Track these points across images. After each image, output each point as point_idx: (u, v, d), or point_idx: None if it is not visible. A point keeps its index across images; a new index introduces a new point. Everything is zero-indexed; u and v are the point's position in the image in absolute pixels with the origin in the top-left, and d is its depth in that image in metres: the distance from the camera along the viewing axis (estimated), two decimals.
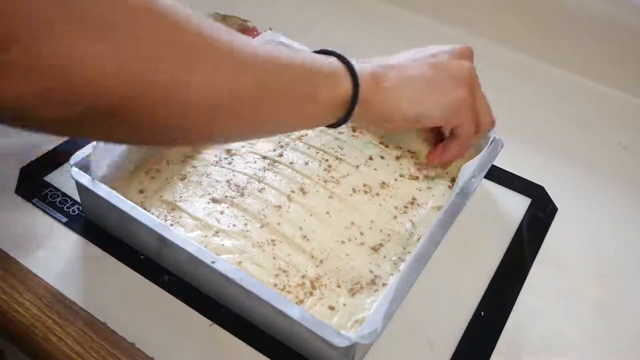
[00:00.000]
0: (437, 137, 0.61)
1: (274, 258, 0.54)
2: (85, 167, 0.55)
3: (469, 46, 0.54)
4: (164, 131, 0.36)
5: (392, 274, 0.54)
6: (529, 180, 0.67)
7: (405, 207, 0.61)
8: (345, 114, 0.44)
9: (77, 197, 0.60)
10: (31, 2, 0.27)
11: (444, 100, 0.49)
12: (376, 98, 0.45)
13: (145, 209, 0.55)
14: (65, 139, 0.66)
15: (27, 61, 0.27)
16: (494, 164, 0.62)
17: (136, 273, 0.55)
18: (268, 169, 0.62)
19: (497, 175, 0.67)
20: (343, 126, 0.67)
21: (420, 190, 0.62)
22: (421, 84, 0.48)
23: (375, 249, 0.56)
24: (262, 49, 0.39)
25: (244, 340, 0.51)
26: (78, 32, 0.28)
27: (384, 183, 0.62)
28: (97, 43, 0.29)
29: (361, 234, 0.57)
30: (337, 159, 0.64)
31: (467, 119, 0.51)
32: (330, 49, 0.46)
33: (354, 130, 0.68)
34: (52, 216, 0.59)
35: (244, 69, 0.36)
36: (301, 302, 0.51)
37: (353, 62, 0.45)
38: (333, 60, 0.44)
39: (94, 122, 0.32)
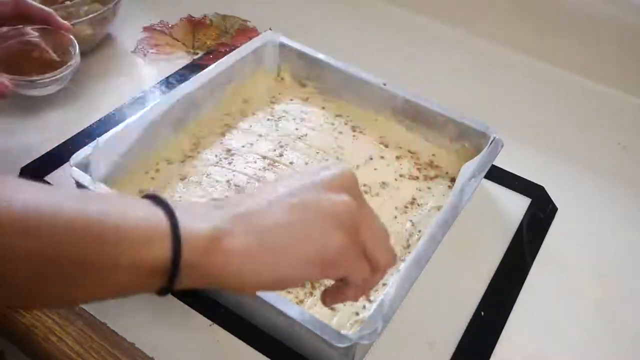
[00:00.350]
0: None
1: None
2: (85, 167, 0.55)
3: (350, 170, 0.39)
4: None
5: (392, 274, 0.54)
6: (529, 180, 0.67)
7: (405, 207, 0.61)
8: (166, 283, 0.34)
9: None
10: None
11: (314, 254, 0.36)
12: (212, 261, 0.34)
13: None
14: (66, 138, 0.66)
15: None
16: (494, 164, 0.62)
17: None
18: (268, 169, 0.62)
19: (497, 175, 0.67)
20: (343, 126, 0.68)
21: (420, 190, 0.62)
22: (282, 237, 0.35)
23: None
24: (51, 211, 0.31)
25: (244, 340, 0.51)
26: None
27: (384, 183, 0.62)
28: None
29: None
30: (337, 159, 0.64)
31: (352, 267, 0.38)
32: (158, 196, 0.35)
33: (354, 130, 0.68)
34: None
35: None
36: (301, 302, 0.51)
37: (181, 212, 0.34)
38: (151, 211, 0.34)
39: None
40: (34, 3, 0.50)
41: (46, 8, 0.51)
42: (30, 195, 0.31)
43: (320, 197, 0.37)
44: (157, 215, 0.33)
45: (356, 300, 0.41)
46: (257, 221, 0.35)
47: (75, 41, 0.69)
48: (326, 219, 0.36)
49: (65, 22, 0.67)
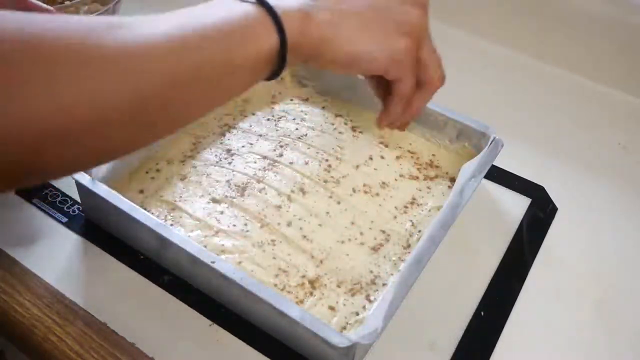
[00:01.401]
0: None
1: (274, 258, 0.54)
2: None
3: None
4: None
5: (392, 274, 0.54)
6: (529, 180, 0.67)
7: (405, 207, 0.61)
8: (276, 68, 0.38)
9: (77, 197, 0.60)
10: None
11: (384, 45, 0.41)
12: (307, 40, 0.38)
13: (145, 209, 0.55)
14: None
15: None
16: (494, 164, 0.62)
17: (136, 273, 0.55)
18: (268, 169, 0.62)
19: (497, 175, 0.67)
20: (343, 126, 0.68)
21: (420, 190, 0.62)
22: (358, 22, 0.40)
23: (375, 249, 0.56)
24: (141, 40, 0.32)
25: (244, 340, 0.51)
26: None
27: (384, 183, 0.62)
28: None
29: (361, 234, 0.57)
30: (337, 159, 0.64)
31: (407, 72, 0.43)
32: None
33: (354, 130, 0.68)
34: (52, 216, 0.59)
35: (120, 77, 0.31)
36: (301, 302, 0.51)
37: (274, 3, 0.37)
38: (244, 7, 0.36)
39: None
40: (35, 1, 0.51)
41: (45, 6, 0.51)
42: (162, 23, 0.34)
43: (399, 5, 0.42)
44: (250, 9, 0.36)
45: (408, 115, 0.47)
46: (341, 5, 0.40)
47: None
48: (400, 22, 0.41)
49: None
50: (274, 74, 0.38)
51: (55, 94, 0.29)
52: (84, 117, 0.30)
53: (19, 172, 0.31)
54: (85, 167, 0.47)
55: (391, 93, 0.45)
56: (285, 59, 0.37)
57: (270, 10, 0.36)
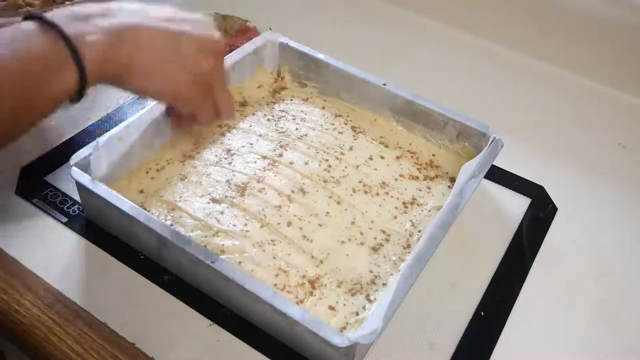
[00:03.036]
0: None
1: (274, 258, 0.54)
2: (85, 167, 0.55)
3: (221, 38, 0.52)
4: None
5: (392, 274, 0.54)
6: (529, 180, 0.67)
7: (405, 207, 0.61)
8: (75, 97, 0.42)
9: (77, 197, 0.60)
10: None
11: (170, 87, 0.49)
12: (105, 73, 0.42)
13: (145, 209, 0.55)
14: (66, 138, 0.66)
15: None
16: (494, 164, 0.62)
17: (136, 273, 0.55)
18: (268, 169, 0.62)
19: (497, 175, 0.67)
20: (343, 126, 0.68)
21: (420, 190, 0.62)
22: (157, 61, 0.46)
23: (375, 249, 0.56)
24: None
25: (244, 340, 0.51)
26: None
27: (384, 183, 0.62)
28: None
29: (361, 234, 0.57)
30: (337, 159, 0.64)
31: (195, 108, 0.53)
32: (39, 13, 0.39)
33: (354, 130, 0.68)
34: (52, 216, 0.59)
35: None
36: (301, 302, 0.51)
37: (72, 33, 0.39)
38: (44, 44, 0.38)
39: None
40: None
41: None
42: None
43: (190, 54, 0.47)
44: (55, 45, 0.38)
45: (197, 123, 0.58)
46: (142, 40, 0.44)
47: None
48: (191, 71, 0.48)
49: None
50: (72, 102, 0.42)
51: None
52: None
53: None
54: None
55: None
56: (83, 93, 0.41)
57: (72, 48, 0.38)
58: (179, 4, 0.89)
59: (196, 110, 0.54)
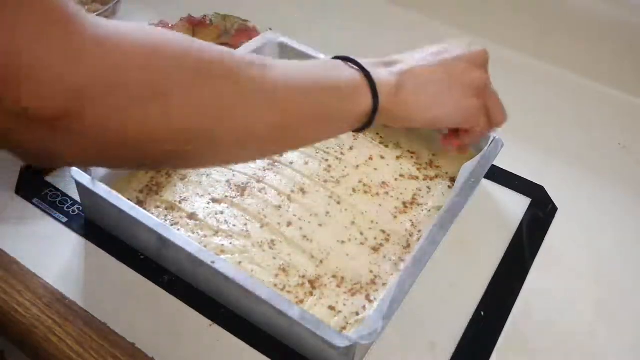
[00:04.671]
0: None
1: (274, 258, 0.54)
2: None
3: (485, 49, 0.54)
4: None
5: (392, 274, 0.54)
6: (529, 180, 0.67)
7: (405, 207, 0.61)
8: (366, 124, 0.47)
9: (77, 197, 0.60)
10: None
11: (458, 106, 0.51)
12: (395, 107, 0.47)
13: (145, 209, 0.55)
14: None
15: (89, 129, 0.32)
16: (494, 164, 0.62)
17: (136, 273, 0.55)
18: (268, 169, 0.62)
19: (497, 175, 0.66)
20: None
21: (420, 190, 0.62)
22: (436, 91, 0.49)
23: (375, 249, 0.56)
24: (284, 82, 0.41)
25: (244, 340, 0.51)
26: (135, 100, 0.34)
27: (384, 183, 0.62)
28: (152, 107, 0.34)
29: (361, 234, 0.57)
30: (337, 159, 0.64)
31: (479, 122, 0.53)
32: (347, 56, 0.47)
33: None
34: (52, 216, 0.59)
35: (271, 106, 0.41)
36: (301, 302, 0.51)
37: (370, 70, 0.46)
38: (351, 73, 0.45)
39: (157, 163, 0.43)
40: None
41: None
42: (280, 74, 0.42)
43: (465, 70, 0.51)
44: (351, 73, 0.45)
45: (474, 141, 0.57)
46: (421, 78, 0.49)
47: None
48: (469, 86, 0.51)
49: None
50: (360, 129, 0.47)
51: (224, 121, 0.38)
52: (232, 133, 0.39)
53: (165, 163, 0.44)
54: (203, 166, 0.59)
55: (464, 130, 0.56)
56: (374, 119, 0.46)
57: (369, 79, 0.45)
58: (179, 4, 0.89)
59: (479, 124, 0.54)
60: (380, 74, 0.46)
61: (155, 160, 0.39)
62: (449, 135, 0.56)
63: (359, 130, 0.48)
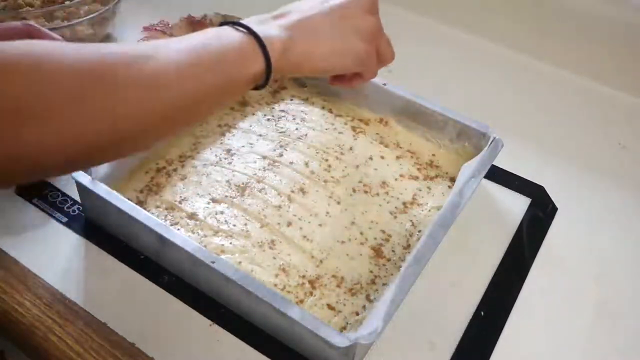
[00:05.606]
0: None
1: (274, 258, 0.54)
2: None
3: None
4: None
5: (392, 274, 0.54)
6: (529, 180, 0.67)
7: (405, 207, 0.61)
8: (263, 83, 0.47)
9: (77, 197, 0.60)
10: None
11: (350, 53, 0.51)
12: (289, 62, 0.48)
13: (145, 209, 0.55)
14: None
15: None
16: (494, 164, 0.62)
17: (136, 273, 0.55)
18: (268, 169, 0.62)
19: (497, 175, 0.67)
20: (343, 126, 0.68)
21: (420, 190, 0.62)
22: (328, 39, 0.50)
23: (375, 249, 0.56)
24: (164, 68, 0.41)
25: (244, 340, 0.51)
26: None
27: (384, 183, 0.62)
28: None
29: (361, 233, 0.57)
30: (337, 159, 0.64)
31: (370, 66, 0.55)
32: (235, 20, 0.48)
33: (354, 130, 0.68)
34: (52, 216, 0.59)
35: (155, 97, 0.41)
36: (301, 302, 0.51)
37: (259, 30, 0.46)
38: (238, 37, 0.45)
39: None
40: (45, 30, 0.52)
41: (56, 35, 0.52)
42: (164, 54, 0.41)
43: (358, 17, 0.51)
44: (239, 38, 0.45)
45: (363, 81, 0.57)
46: (313, 27, 0.49)
47: None
48: (361, 32, 0.51)
49: None
50: (259, 87, 0.48)
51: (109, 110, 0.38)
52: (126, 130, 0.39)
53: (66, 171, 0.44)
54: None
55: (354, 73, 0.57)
56: (270, 77, 0.46)
57: (259, 40, 0.45)
58: (179, 4, 0.89)
59: (371, 68, 0.55)
60: (271, 32, 0.47)
61: (61, 170, 0.41)
62: (337, 76, 0.57)
63: (258, 88, 0.48)
